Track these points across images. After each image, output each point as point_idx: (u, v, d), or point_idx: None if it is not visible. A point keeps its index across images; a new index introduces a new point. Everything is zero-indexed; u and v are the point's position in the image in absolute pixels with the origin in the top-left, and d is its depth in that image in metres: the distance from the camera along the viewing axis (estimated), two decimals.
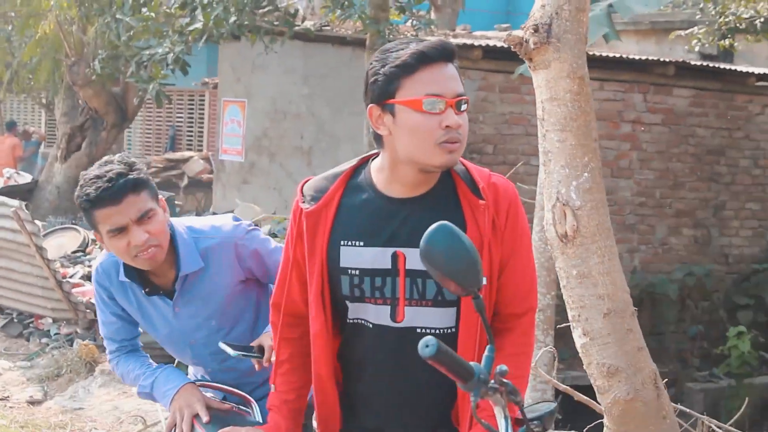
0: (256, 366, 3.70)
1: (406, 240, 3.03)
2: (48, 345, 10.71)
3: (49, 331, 11.03)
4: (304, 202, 3.17)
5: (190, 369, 4.17)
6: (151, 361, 4.02)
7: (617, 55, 12.70)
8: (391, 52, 3.01)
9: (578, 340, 5.30)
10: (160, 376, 3.86)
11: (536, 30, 5.15)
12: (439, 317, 3.09)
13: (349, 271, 3.11)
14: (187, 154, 21.86)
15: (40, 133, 26.93)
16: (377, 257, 3.09)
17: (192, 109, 24.31)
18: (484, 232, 3.03)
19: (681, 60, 13.08)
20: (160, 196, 3.68)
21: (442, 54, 3.00)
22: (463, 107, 3.02)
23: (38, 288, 11.04)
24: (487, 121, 12.03)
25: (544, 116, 5.30)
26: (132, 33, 12.52)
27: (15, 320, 11.51)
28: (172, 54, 11.42)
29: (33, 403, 9.34)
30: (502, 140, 12.13)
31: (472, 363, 2.55)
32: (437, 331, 3.08)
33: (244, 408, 3.83)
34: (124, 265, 3.73)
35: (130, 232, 3.56)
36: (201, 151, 22.63)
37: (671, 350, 12.77)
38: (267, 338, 3.63)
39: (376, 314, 3.13)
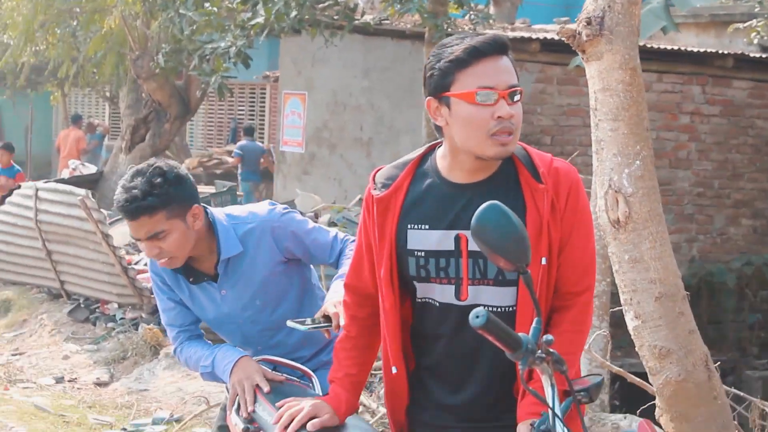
0: (327, 335, 3.89)
1: (468, 223, 3.12)
2: (114, 329, 10.96)
3: (114, 315, 11.29)
4: (375, 189, 3.37)
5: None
6: (209, 342, 4.20)
7: (676, 48, 12.75)
8: (447, 47, 3.18)
9: (630, 323, 5.43)
10: (218, 353, 4.02)
11: (589, 23, 5.28)
12: (500, 296, 3.25)
13: (416, 252, 3.30)
14: None
15: (104, 125, 27.35)
16: (441, 239, 3.26)
17: (253, 102, 24.60)
18: (543, 214, 3.17)
19: (740, 52, 13.07)
20: (195, 205, 3.88)
21: (495, 48, 3.15)
22: (516, 98, 3.16)
23: (104, 274, 11.29)
24: (545, 113, 12.13)
25: (597, 106, 5.43)
26: (195, 27, 12.71)
27: (82, 305, 11.78)
28: (234, 48, 11.60)
29: (100, 384, 9.60)
30: (560, 131, 12.23)
31: (520, 334, 2.71)
32: (498, 309, 3.24)
33: (305, 381, 4.00)
34: None
35: (143, 245, 3.85)
36: (262, 143, 22.89)
37: (730, 339, 12.80)
38: (330, 306, 3.78)
39: (441, 293, 3.31)
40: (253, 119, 24.67)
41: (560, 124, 12.09)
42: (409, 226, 3.31)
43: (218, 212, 4.01)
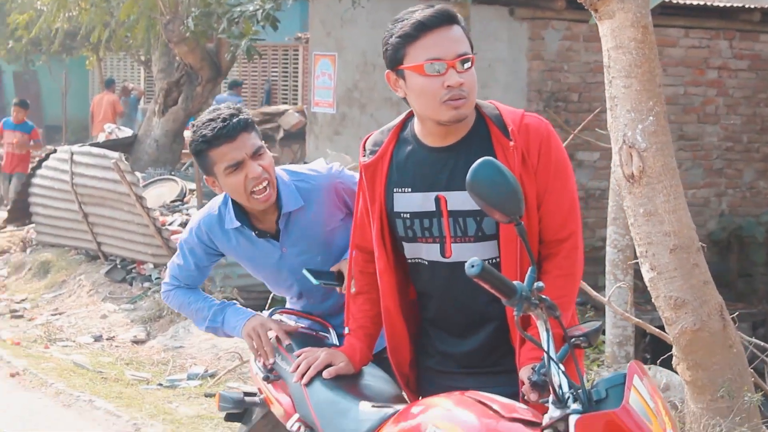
0: (338, 290, 4.03)
1: (446, 184, 3.41)
2: (150, 289, 11.19)
3: (150, 275, 11.50)
4: (364, 156, 3.59)
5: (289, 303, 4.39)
6: (205, 293, 4.29)
7: (702, 3, 12.73)
8: (398, 22, 3.39)
9: (646, 274, 5.56)
10: (230, 310, 4.14)
11: None
12: (482, 250, 3.43)
13: (402, 214, 3.51)
14: (282, 107, 22.20)
15: (138, 89, 27.54)
16: (423, 201, 3.47)
17: (287, 63, 24.69)
18: (515, 168, 3.33)
19: (767, 6, 13.04)
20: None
21: (441, 20, 3.34)
22: (467, 65, 3.34)
23: (139, 235, 11.49)
24: (571, 70, 12.18)
25: (610, 63, 5.55)
26: None
27: (118, 266, 12.01)
28: (262, 10, 11.68)
29: (137, 342, 9.83)
30: (587, 88, 12.27)
31: (515, 281, 2.86)
32: None
33: (323, 333, 4.16)
34: (235, 211, 4.02)
35: (246, 166, 3.86)
36: (296, 104, 22.99)
37: (760, 291, 12.84)
38: (345, 264, 3.93)
39: (428, 252, 3.51)
40: (286, 80, 24.78)
41: (587, 81, 12.14)
42: (394, 190, 3.52)
43: (278, 169, 4.06)
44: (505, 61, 12.19)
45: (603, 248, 8.02)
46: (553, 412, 2.87)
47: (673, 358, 5.66)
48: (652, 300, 5.59)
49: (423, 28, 3.32)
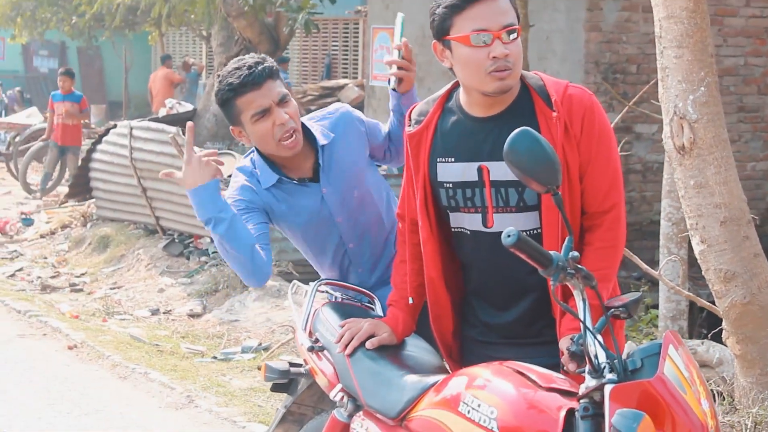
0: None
1: (489, 154, 3.43)
2: (206, 263, 11.25)
3: (207, 250, 11.55)
4: (409, 125, 3.63)
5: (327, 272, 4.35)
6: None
7: None
8: None
9: (696, 247, 5.52)
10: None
11: None
12: (523, 220, 3.46)
13: (445, 184, 3.54)
14: (342, 81, 22.22)
15: (199, 64, 27.68)
16: (466, 171, 3.49)
17: (347, 37, 24.69)
18: (557, 139, 3.35)
19: None
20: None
21: None
22: (513, 36, 3.36)
23: None
24: (630, 41, 12.05)
25: (662, 33, 5.51)
26: None
27: (176, 240, 12.09)
28: None
29: (193, 316, 9.92)
30: (646, 60, 12.12)
31: (551, 251, 2.86)
32: (524, 233, 3.40)
33: (368, 304, 4.18)
34: (269, 165, 4.02)
35: (273, 113, 3.92)
36: (356, 78, 23.00)
37: None
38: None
39: (470, 222, 3.54)
40: (346, 54, 24.79)
41: (646, 52, 11.99)
42: (438, 159, 3.54)
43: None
44: (562, 32, 12.09)
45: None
46: (589, 382, 2.88)
47: (723, 331, 5.62)
48: (703, 273, 5.55)
49: None
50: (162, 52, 27.79)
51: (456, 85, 3.59)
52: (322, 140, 4.07)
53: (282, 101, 3.93)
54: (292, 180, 4.07)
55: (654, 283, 9.64)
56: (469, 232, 3.55)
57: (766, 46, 12.61)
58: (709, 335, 6.70)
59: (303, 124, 4.05)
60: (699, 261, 5.51)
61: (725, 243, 5.40)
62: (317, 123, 4.13)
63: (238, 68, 3.91)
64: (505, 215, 3.47)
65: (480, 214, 3.50)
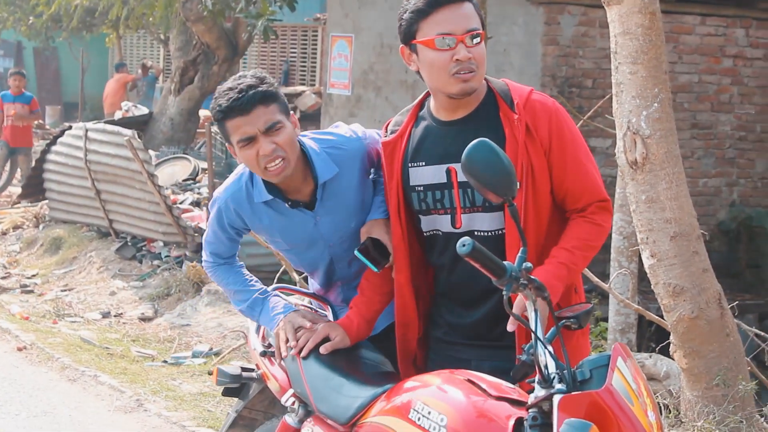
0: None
1: (456, 156, 3.45)
2: (159, 266, 11.25)
3: (160, 253, 11.56)
4: (386, 135, 3.76)
5: (312, 283, 4.30)
6: (248, 274, 4.21)
7: None
8: None
9: (646, 261, 5.58)
10: (267, 304, 4.08)
11: None
12: (490, 221, 3.57)
13: (416, 188, 3.65)
14: (300, 88, 22.25)
15: (157, 67, 27.56)
16: (435, 173, 3.61)
17: (305, 44, 24.69)
18: (519, 140, 3.46)
19: None
20: (291, 113, 3.87)
21: None
22: (476, 40, 3.48)
23: (150, 213, 11.55)
24: (586, 56, 12.15)
25: (617, 49, 5.56)
26: None
27: (129, 243, 12.06)
28: None
29: (144, 319, 9.89)
30: (602, 74, 12.22)
31: (505, 262, 2.90)
32: (490, 233, 3.57)
33: (322, 310, 4.19)
34: (265, 184, 3.90)
35: (258, 142, 3.73)
36: (314, 85, 23.01)
37: None
38: (374, 225, 3.89)
39: (441, 224, 3.64)
40: (305, 61, 24.79)
41: (602, 67, 12.09)
42: (410, 164, 3.65)
43: (305, 139, 3.94)
44: (520, 46, 12.18)
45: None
46: (539, 392, 2.92)
47: (671, 345, 5.68)
48: (652, 287, 5.60)
49: (435, 4, 3.46)
50: (119, 54, 27.67)
51: (428, 95, 3.70)
52: (324, 176, 3.88)
53: (270, 129, 3.74)
54: (286, 202, 3.95)
55: (604, 296, 9.71)
56: (440, 234, 3.65)
57: (720, 64, 12.75)
58: (657, 349, 6.77)
59: (306, 151, 3.88)
60: (648, 275, 5.57)
61: (675, 258, 5.47)
62: (324, 149, 3.93)
63: (231, 89, 3.77)
64: (473, 215, 3.57)
65: (449, 215, 3.60)
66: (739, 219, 12.74)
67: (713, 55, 12.69)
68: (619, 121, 5.56)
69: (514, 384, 3.16)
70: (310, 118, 20.40)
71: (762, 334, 6.89)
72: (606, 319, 8.28)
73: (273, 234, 4.09)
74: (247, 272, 4.26)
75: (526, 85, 3.68)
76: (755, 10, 12.76)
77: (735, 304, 6.29)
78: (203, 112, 17.87)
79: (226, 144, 3.93)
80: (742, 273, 12.74)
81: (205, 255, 4.27)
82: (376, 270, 3.80)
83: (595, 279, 6.67)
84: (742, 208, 12.90)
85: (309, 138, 3.97)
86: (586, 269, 6.62)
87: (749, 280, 12.70)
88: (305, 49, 24.78)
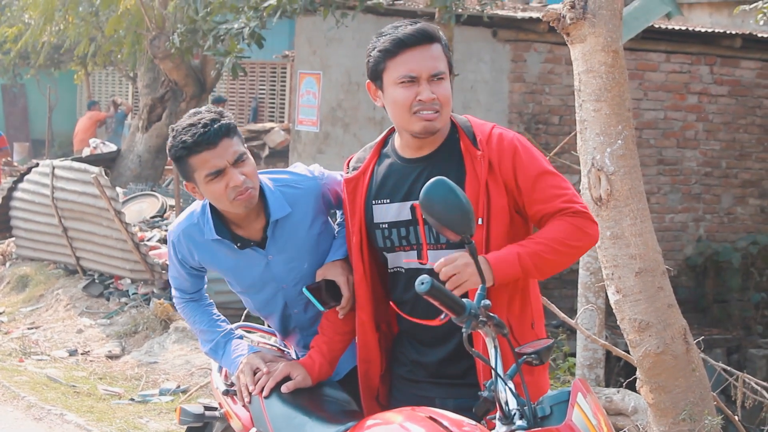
0: (340, 313, 3.86)
1: (420, 193, 3.44)
2: (126, 304, 11.17)
3: (127, 291, 11.48)
4: (348, 172, 3.76)
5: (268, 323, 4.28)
6: (215, 313, 4.20)
7: (683, 28, 12.81)
8: (381, 36, 3.55)
9: (612, 297, 5.60)
10: (229, 347, 4.07)
11: (573, 6, 5.46)
12: None
13: (381, 225, 3.66)
14: (269, 125, 22.28)
15: (126, 104, 27.52)
16: (400, 211, 3.62)
17: (274, 81, 24.74)
18: (481, 177, 3.48)
19: (748, 32, 13.13)
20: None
21: (420, 39, 3.51)
22: (441, 81, 3.51)
23: (117, 250, 11.51)
24: (553, 93, 12.24)
25: (581, 87, 5.60)
26: (209, 8, 12.87)
27: (96, 281, 11.99)
28: (247, 29, 11.72)
29: (111, 357, 9.83)
30: (569, 111, 12.30)
31: (464, 299, 2.92)
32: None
33: (284, 348, 4.20)
34: (215, 223, 3.87)
35: (227, 174, 3.71)
36: (282, 122, 23.04)
37: (735, 317, 12.89)
38: (330, 268, 3.89)
39: (407, 259, 3.65)
40: (273, 98, 24.84)
41: (568, 104, 12.18)
42: (374, 202, 3.66)
43: (262, 176, 3.92)
44: (487, 83, 12.26)
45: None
46: (500, 429, 2.93)
47: (637, 380, 5.69)
48: (618, 322, 5.62)
49: (402, 45, 3.50)
50: (88, 91, 27.63)
51: (391, 131, 3.73)
52: (276, 214, 3.87)
53: (238, 161, 3.74)
54: (235, 243, 3.92)
55: (572, 332, 9.75)
56: (404, 270, 3.66)
57: (686, 101, 12.87)
58: (625, 384, 6.78)
59: (261, 188, 3.87)
60: (614, 310, 5.59)
61: (640, 293, 5.48)
62: (279, 187, 3.92)
63: (192, 125, 3.73)
64: (438, 252, 3.56)
65: (415, 252, 3.61)
66: (705, 254, 12.83)
67: (678, 92, 12.82)
68: (583, 158, 5.59)
69: (478, 421, 3.17)
70: (279, 155, 20.42)
71: (729, 368, 6.91)
72: (574, 355, 8.30)
73: (226, 274, 4.07)
74: (215, 311, 4.23)
75: (492, 121, 3.73)
76: (719, 48, 12.91)
77: (702, 338, 6.33)
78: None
79: (185, 183, 3.87)
80: (710, 308, 12.82)
81: (173, 290, 4.28)
82: (322, 309, 3.79)
83: (562, 315, 6.69)
84: (709, 243, 12.99)
85: (265, 176, 3.95)
86: (554, 305, 6.66)
87: (716, 314, 12.78)
88: (274, 85, 24.84)
